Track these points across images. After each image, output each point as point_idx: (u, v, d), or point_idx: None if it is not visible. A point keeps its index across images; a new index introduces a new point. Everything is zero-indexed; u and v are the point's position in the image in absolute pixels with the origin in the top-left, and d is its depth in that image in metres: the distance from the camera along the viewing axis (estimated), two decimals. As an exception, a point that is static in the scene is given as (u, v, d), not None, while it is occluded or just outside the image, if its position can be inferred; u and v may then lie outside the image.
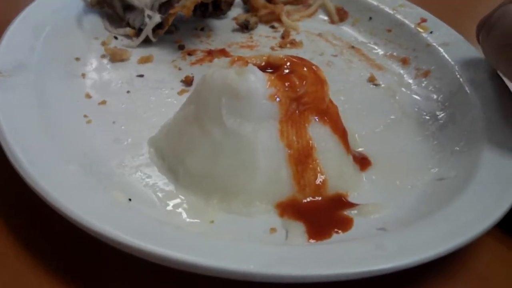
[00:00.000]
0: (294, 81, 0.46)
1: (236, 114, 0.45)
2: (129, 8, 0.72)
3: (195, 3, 0.67)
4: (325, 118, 0.48)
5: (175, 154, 0.49)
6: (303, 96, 0.47)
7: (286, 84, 0.46)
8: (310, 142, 0.46)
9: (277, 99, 0.46)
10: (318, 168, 0.47)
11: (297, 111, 0.46)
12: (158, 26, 0.68)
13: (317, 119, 0.47)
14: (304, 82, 0.47)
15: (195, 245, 0.38)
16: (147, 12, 0.69)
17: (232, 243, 0.40)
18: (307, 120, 0.47)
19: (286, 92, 0.46)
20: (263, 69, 0.48)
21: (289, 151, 0.46)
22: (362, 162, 0.51)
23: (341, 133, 0.49)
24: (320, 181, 0.47)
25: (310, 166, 0.46)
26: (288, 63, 0.49)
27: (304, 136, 0.46)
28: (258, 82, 0.46)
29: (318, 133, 0.47)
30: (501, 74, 0.55)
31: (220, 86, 0.46)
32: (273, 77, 0.46)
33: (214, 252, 0.38)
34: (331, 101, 0.50)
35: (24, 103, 0.50)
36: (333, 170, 0.47)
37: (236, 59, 0.49)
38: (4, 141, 0.44)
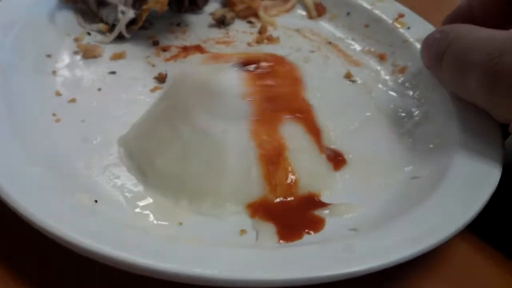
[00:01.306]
0: (269, 79, 0.46)
1: (208, 113, 0.45)
2: (103, 3, 0.70)
3: (168, -2, 0.65)
4: (299, 116, 0.47)
5: (144, 153, 0.48)
6: (277, 95, 0.46)
7: (261, 83, 0.45)
8: (282, 141, 0.46)
9: (251, 98, 0.45)
10: (290, 168, 0.46)
11: (269, 110, 0.45)
12: (132, 22, 0.67)
13: (290, 118, 0.46)
14: (279, 81, 0.46)
15: (159, 249, 0.37)
16: (121, 7, 0.68)
17: (197, 247, 0.39)
18: (280, 119, 0.46)
19: (260, 91, 0.45)
20: (239, 67, 0.47)
21: (260, 151, 0.45)
22: (336, 160, 0.51)
23: (315, 132, 0.48)
24: (292, 181, 0.46)
25: (282, 165, 0.46)
26: (264, 61, 0.48)
27: (276, 135, 0.46)
28: (232, 81, 0.45)
29: (291, 132, 0.47)
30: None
31: (193, 84, 0.46)
32: (247, 76, 0.45)
33: (179, 256, 0.37)
34: (304, 100, 0.49)
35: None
36: (305, 170, 0.47)
37: (210, 56, 0.48)
38: None
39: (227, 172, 0.45)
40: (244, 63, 0.48)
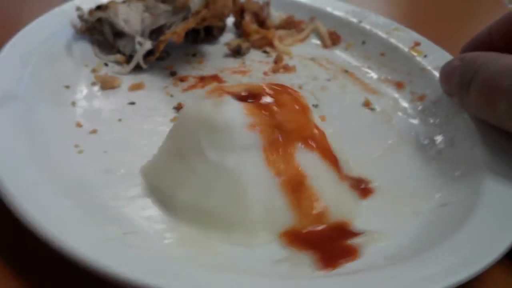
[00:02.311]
0: (272, 108, 0.45)
1: (217, 147, 0.44)
2: (119, 35, 0.71)
3: (186, 29, 0.66)
4: (312, 144, 0.46)
5: (166, 187, 0.47)
6: (284, 123, 0.45)
7: (265, 112, 0.45)
8: (299, 169, 0.45)
9: (258, 128, 0.44)
10: (314, 196, 0.45)
11: (280, 138, 0.45)
12: (149, 53, 0.67)
13: (303, 146, 0.46)
14: (285, 109, 0.46)
15: (196, 278, 0.37)
16: (138, 39, 0.68)
17: (236, 276, 0.38)
18: (292, 146, 0.45)
19: (265, 119, 0.45)
20: (242, 98, 0.47)
21: (279, 179, 0.44)
22: (363, 189, 0.50)
23: (331, 160, 0.48)
24: (320, 209, 0.45)
25: (306, 193, 0.45)
26: (268, 91, 0.47)
27: (292, 163, 0.45)
28: (234, 113, 0.45)
29: (306, 159, 0.46)
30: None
31: (197, 119, 0.46)
32: (250, 106, 0.45)
33: (216, 286, 0.36)
34: (317, 127, 0.48)
35: (13, 134, 0.48)
36: (330, 197, 0.46)
37: (213, 89, 0.47)
38: None
39: (250, 201, 0.44)
40: (247, 94, 0.48)
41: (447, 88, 0.56)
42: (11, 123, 0.49)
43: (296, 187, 0.45)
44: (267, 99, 0.46)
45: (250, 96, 0.47)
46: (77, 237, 0.38)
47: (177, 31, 0.65)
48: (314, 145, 0.46)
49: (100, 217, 0.43)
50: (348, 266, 0.42)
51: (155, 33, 0.69)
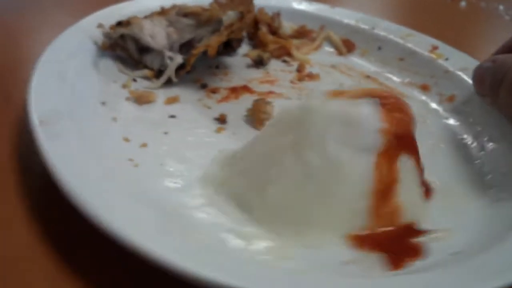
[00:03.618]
0: (401, 117, 0.46)
1: (340, 141, 0.45)
2: (145, 50, 0.71)
3: (220, 42, 0.66)
4: (412, 152, 0.48)
5: (252, 186, 0.48)
6: (401, 131, 0.47)
7: (392, 118, 0.46)
8: (396, 175, 0.46)
9: (384, 132, 0.45)
10: (396, 200, 0.46)
11: (395, 145, 0.46)
12: (180, 67, 0.67)
13: (406, 153, 0.47)
14: (404, 117, 0.47)
15: (281, 280, 0.38)
16: (168, 53, 0.68)
17: (318, 277, 0.39)
18: (400, 153, 0.47)
19: (393, 127, 0.46)
20: (373, 102, 0.47)
21: (375, 184, 0.45)
22: (426, 189, 0.51)
23: (420, 167, 0.49)
24: (395, 212, 0.46)
25: (390, 198, 0.46)
26: (386, 98, 0.48)
27: (394, 169, 0.46)
28: (373, 114, 0.46)
29: (405, 166, 0.47)
30: None
31: (333, 114, 0.46)
32: (383, 111, 0.46)
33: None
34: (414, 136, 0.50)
35: (75, 150, 0.48)
36: (408, 201, 0.47)
37: (333, 93, 0.48)
38: (72, 193, 0.42)
39: (336, 201, 0.45)
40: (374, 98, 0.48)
41: (479, 89, 0.59)
42: (69, 140, 0.49)
43: (385, 192, 0.46)
44: (391, 105, 0.47)
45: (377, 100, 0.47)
46: (164, 245, 0.38)
47: (211, 44, 0.65)
48: (413, 153, 0.48)
49: (180, 225, 0.44)
50: (417, 265, 0.44)
51: (185, 47, 0.69)
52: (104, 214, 0.40)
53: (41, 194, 0.50)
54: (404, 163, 0.47)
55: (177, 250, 0.38)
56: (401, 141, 0.46)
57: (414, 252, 0.45)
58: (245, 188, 0.48)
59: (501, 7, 1.13)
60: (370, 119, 0.45)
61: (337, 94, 0.48)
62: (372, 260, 0.44)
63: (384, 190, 0.46)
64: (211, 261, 0.38)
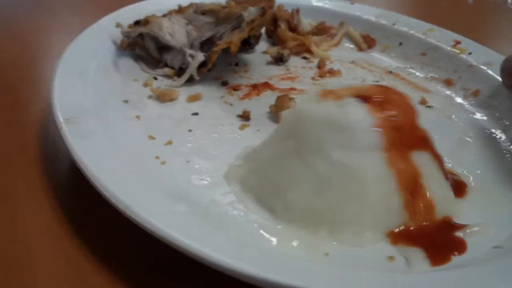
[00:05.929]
0: (391, 109, 0.46)
1: (341, 146, 0.45)
2: (165, 48, 0.70)
3: (242, 38, 0.66)
4: (424, 144, 0.47)
5: (270, 190, 0.47)
6: (401, 124, 0.46)
7: (383, 113, 0.45)
8: (416, 168, 0.45)
9: (379, 129, 0.45)
10: (427, 194, 0.45)
11: (398, 139, 0.45)
12: (201, 65, 0.67)
13: (418, 146, 0.46)
14: (398, 110, 0.46)
15: (322, 275, 0.38)
16: (189, 51, 0.67)
17: (359, 274, 0.39)
18: (410, 147, 0.46)
19: (385, 121, 0.45)
20: (359, 100, 0.47)
21: (398, 179, 0.44)
22: (459, 184, 0.50)
23: (439, 159, 0.48)
24: (429, 207, 0.45)
25: (419, 192, 0.45)
26: (378, 93, 0.48)
27: (410, 163, 0.45)
28: (360, 113, 0.45)
29: (421, 159, 0.46)
30: None
31: (322, 120, 0.45)
32: (372, 107, 0.45)
33: (342, 282, 0.37)
34: (421, 126, 0.49)
35: (103, 148, 0.48)
36: (438, 195, 0.46)
37: (324, 93, 0.47)
38: (102, 187, 0.42)
39: (369, 200, 0.44)
40: (359, 96, 0.48)
41: (508, 82, 0.58)
42: (96, 137, 0.49)
43: (412, 187, 0.45)
44: (381, 100, 0.46)
45: (361, 98, 0.47)
46: (204, 241, 0.38)
47: (233, 40, 0.64)
48: (426, 145, 0.47)
49: (215, 222, 0.43)
50: (460, 259, 0.43)
51: (206, 44, 0.68)
52: (145, 214, 0.40)
53: (66, 191, 0.50)
54: (419, 157, 0.46)
55: (224, 249, 0.38)
56: (402, 132, 0.46)
57: (456, 246, 0.44)
58: (265, 190, 0.48)
59: (509, 0, 1.12)
60: (359, 118, 0.45)
61: (326, 94, 0.47)
62: (416, 255, 0.43)
63: (411, 186, 0.45)
64: (261, 260, 0.38)
